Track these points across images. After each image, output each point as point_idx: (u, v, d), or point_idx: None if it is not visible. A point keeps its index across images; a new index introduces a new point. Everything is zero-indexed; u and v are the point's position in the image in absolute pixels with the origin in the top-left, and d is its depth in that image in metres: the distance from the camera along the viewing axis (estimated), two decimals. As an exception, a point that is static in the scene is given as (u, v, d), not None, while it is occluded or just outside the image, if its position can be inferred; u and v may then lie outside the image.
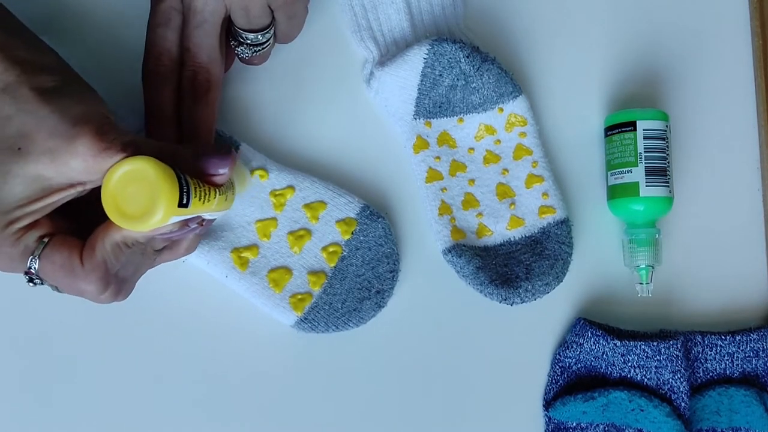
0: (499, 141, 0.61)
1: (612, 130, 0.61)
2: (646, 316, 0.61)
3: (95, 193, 0.43)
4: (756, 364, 0.60)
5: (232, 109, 0.60)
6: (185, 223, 0.45)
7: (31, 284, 0.46)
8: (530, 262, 0.59)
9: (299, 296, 0.57)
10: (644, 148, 0.59)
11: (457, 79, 0.60)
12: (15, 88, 0.43)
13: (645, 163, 0.59)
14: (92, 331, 0.56)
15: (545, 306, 0.59)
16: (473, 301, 0.59)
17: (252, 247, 0.57)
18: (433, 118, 0.61)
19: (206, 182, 0.46)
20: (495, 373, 0.60)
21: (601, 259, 0.62)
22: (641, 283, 0.60)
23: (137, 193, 0.41)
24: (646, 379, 0.57)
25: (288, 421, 0.58)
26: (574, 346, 0.59)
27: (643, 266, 0.59)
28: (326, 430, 0.58)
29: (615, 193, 0.60)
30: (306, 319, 0.57)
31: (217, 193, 0.46)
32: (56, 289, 0.46)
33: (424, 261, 0.60)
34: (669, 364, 0.57)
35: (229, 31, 0.55)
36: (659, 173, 0.59)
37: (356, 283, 0.58)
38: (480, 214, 0.60)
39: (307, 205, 0.58)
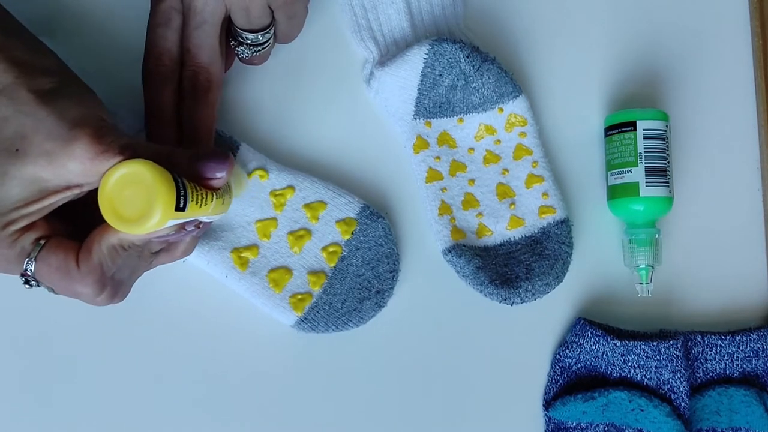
0: (499, 141, 0.61)
1: (612, 130, 0.61)
2: (646, 316, 0.61)
3: (92, 195, 0.43)
4: (756, 364, 0.60)
5: (232, 109, 0.60)
6: (182, 226, 0.45)
7: (27, 286, 0.46)
8: (530, 262, 0.59)
9: (299, 296, 0.57)
10: (644, 148, 0.59)
11: (457, 79, 0.60)
12: (13, 89, 0.43)
13: (645, 163, 0.59)
14: (92, 331, 0.56)
15: (545, 306, 0.59)
16: (473, 301, 0.59)
17: (252, 247, 0.57)
18: (433, 118, 0.61)
19: (203, 186, 0.45)
20: (495, 373, 0.60)
21: (601, 259, 0.62)
22: (641, 283, 0.60)
23: (134, 196, 0.41)
24: (646, 379, 0.57)
25: (288, 421, 0.58)
26: (574, 346, 0.59)
27: (643, 266, 0.59)
28: (326, 430, 0.58)
29: (615, 193, 0.60)
30: (306, 319, 0.57)
31: (214, 196, 0.46)
32: (52, 290, 0.46)
33: (424, 261, 0.60)
34: (669, 364, 0.57)
35: (229, 31, 0.55)
36: (659, 173, 0.59)
37: (356, 283, 0.58)
38: (480, 214, 0.60)
39: (307, 205, 0.58)
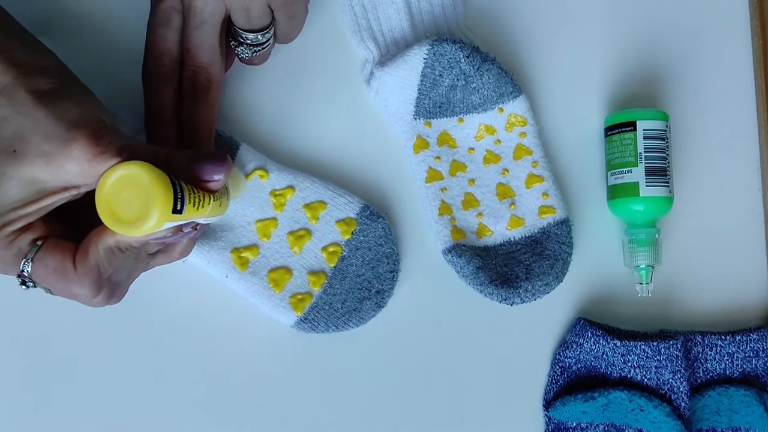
0: (499, 141, 0.61)
1: (612, 130, 0.61)
2: (646, 316, 0.61)
3: (90, 196, 0.43)
4: (756, 364, 0.60)
5: (232, 109, 0.60)
6: (179, 228, 0.45)
7: (23, 287, 0.46)
8: (530, 262, 0.59)
9: (299, 296, 0.57)
10: (644, 148, 0.59)
11: (457, 79, 0.60)
12: (12, 90, 0.43)
13: (645, 163, 0.59)
14: (92, 331, 0.56)
15: (545, 306, 0.59)
16: (473, 301, 0.59)
17: (252, 247, 0.57)
18: (433, 118, 0.61)
19: (201, 188, 0.45)
20: (495, 373, 0.60)
21: (601, 259, 0.62)
22: (641, 283, 0.60)
23: (131, 198, 0.41)
24: (646, 379, 0.57)
25: (288, 421, 0.58)
26: (574, 346, 0.59)
27: (643, 266, 0.59)
28: (326, 430, 0.58)
29: (615, 193, 0.60)
30: (306, 319, 0.57)
31: (212, 199, 0.46)
32: (49, 291, 0.46)
33: (424, 261, 0.60)
34: (669, 364, 0.57)
35: (229, 31, 0.55)
36: (659, 173, 0.59)
37: (356, 283, 0.58)
38: (480, 214, 0.60)
39: (307, 205, 0.58)
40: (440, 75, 0.59)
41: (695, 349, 0.60)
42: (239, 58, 0.57)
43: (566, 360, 0.59)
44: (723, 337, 0.59)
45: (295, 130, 0.60)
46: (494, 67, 0.60)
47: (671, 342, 0.57)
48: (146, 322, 0.57)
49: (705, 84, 0.65)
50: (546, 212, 0.60)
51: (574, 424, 0.59)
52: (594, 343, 0.58)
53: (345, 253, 0.58)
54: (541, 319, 0.60)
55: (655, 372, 0.57)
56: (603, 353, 0.58)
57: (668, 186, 0.59)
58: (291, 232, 0.58)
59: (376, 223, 0.58)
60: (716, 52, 0.65)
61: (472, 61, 0.59)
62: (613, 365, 0.58)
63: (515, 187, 0.60)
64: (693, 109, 0.64)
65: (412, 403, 0.59)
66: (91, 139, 0.43)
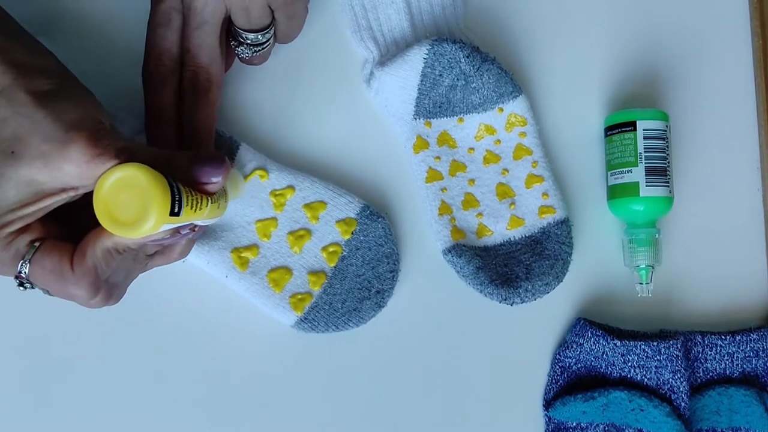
0: (499, 141, 0.61)
1: (612, 130, 0.61)
2: (646, 316, 0.61)
3: (88, 197, 0.43)
4: (756, 364, 0.60)
5: (232, 109, 0.60)
6: (177, 229, 0.45)
7: (21, 288, 0.46)
8: (530, 262, 0.59)
9: (299, 296, 0.57)
10: (644, 148, 0.59)
11: (457, 79, 0.60)
12: (11, 91, 0.43)
13: (645, 163, 0.59)
14: (92, 331, 0.56)
15: (545, 306, 0.59)
16: (473, 301, 0.59)
17: (252, 247, 0.57)
18: (433, 118, 0.61)
19: (199, 190, 0.45)
20: (495, 373, 0.60)
21: (601, 259, 0.62)
22: (641, 283, 0.60)
23: (129, 200, 0.41)
24: (646, 379, 0.57)
25: (288, 421, 0.58)
26: (574, 346, 0.59)
27: (643, 266, 0.59)
28: (326, 430, 0.58)
29: (615, 193, 0.60)
30: (306, 319, 0.57)
31: (210, 201, 0.46)
32: (47, 292, 0.46)
33: (424, 261, 0.60)
34: (669, 364, 0.57)
35: (229, 31, 0.55)
36: (659, 173, 0.59)
37: (356, 283, 0.58)
38: (480, 214, 0.60)
39: (307, 205, 0.58)
40: (440, 75, 0.59)
41: (695, 349, 0.60)
42: (239, 58, 0.57)
43: (566, 360, 0.59)
44: (723, 337, 0.59)
45: (295, 130, 0.60)
46: (494, 67, 0.60)
47: (671, 342, 0.57)
48: (146, 322, 0.57)
49: (705, 84, 0.65)
50: (546, 212, 0.60)
51: (574, 424, 0.59)
52: (594, 343, 0.58)
53: (345, 253, 0.58)
54: (541, 319, 0.60)
55: (655, 372, 0.57)
56: (603, 353, 0.58)
57: (668, 186, 0.59)
58: (291, 232, 0.58)
59: (376, 223, 0.58)
60: (716, 52, 0.65)
61: (472, 61, 0.59)
62: (613, 365, 0.58)
63: (515, 187, 0.60)
64: (693, 109, 0.64)
65: (412, 403, 0.59)
66: (90, 141, 0.43)
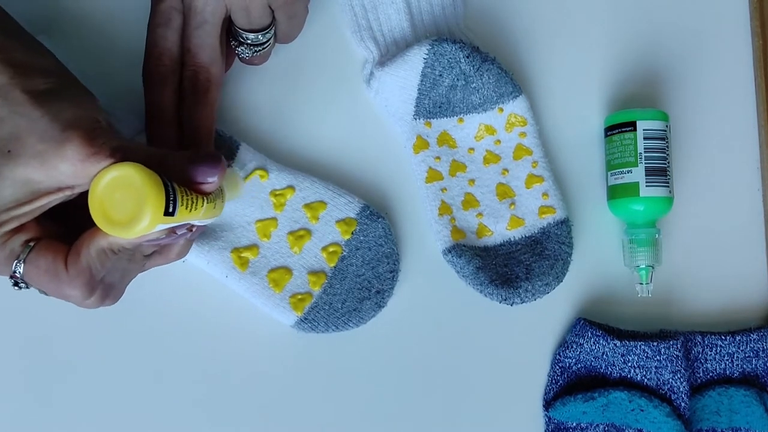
0: (499, 141, 0.61)
1: (612, 130, 0.61)
2: (646, 316, 0.61)
3: (85, 197, 0.43)
4: (756, 364, 0.60)
5: (232, 109, 0.60)
6: (173, 230, 0.45)
7: (16, 288, 0.46)
8: (530, 262, 0.59)
9: (299, 296, 0.57)
10: (644, 148, 0.59)
11: (457, 79, 0.60)
12: (8, 90, 0.43)
13: (645, 163, 0.59)
14: (92, 331, 0.56)
15: (545, 306, 0.59)
16: (473, 301, 0.59)
17: (252, 247, 0.57)
18: (433, 118, 0.61)
19: (194, 190, 0.45)
20: (495, 373, 0.60)
21: (601, 259, 0.62)
22: (641, 283, 0.60)
23: (124, 199, 0.41)
24: (646, 379, 0.57)
25: (288, 421, 0.58)
26: (574, 346, 0.59)
27: (643, 266, 0.59)
28: (326, 430, 0.58)
29: (615, 193, 0.60)
30: (306, 319, 0.57)
31: (205, 201, 0.46)
32: (43, 292, 0.46)
33: (424, 261, 0.60)
34: (669, 364, 0.57)
35: (229, 31, 0.55)
36: (659, 173, 0.59)
37: (356, 283, 0.58)
38: (480, 214, 0.60)
39: (307, 205, 0.58)
40: (440, 75, 0.59)
41: (695, 349, 0.60)
42: (239, 58, 0.57)
43: (566, 360, 0.59)
44: (723, 337, 0.59)
45: (295, 130, 0.60)
46: (494, 67, 0.60)
47: (671, 342, 0.57)
48: (146, 323, 0.57)
49: (705, 84, 0.65)
50: (546, 212, 0.60)
51: (574, 424, 0.59)
52: (594, 343, 0.58)
53: (345, 253, 0.58)
54: (541, 319, 0.60)
55: (655, 372, 0.57)
56: (603, 353, 0.58)
57: (668, 186, 0.59)
58: (291, 232, 0.58)
59: (376, 223, 0.58)
60: (716, 52, 0.65)
61: (472, 61, 0.59)
62: (613, 365, 0.58)
63: (515, 187, 0.60)
64: (693, 109, 0.64)
65: (412, 403, 0.59)
66: (85, 140, 0.42)
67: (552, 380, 0.60)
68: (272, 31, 0.55)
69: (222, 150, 0.57)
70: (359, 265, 0.58)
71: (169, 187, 0.42)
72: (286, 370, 0.58)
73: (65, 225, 0.47)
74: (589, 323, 0.59)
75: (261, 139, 0.60)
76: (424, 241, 0.60)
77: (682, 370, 0.57)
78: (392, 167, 0.61)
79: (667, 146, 0.60)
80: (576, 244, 0.60)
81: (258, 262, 0.57)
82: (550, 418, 0.59)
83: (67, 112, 0.43)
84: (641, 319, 0.61)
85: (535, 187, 0.60)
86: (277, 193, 0.58)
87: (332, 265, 0.58)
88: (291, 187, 0.58)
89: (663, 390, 0.57)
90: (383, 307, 0.58)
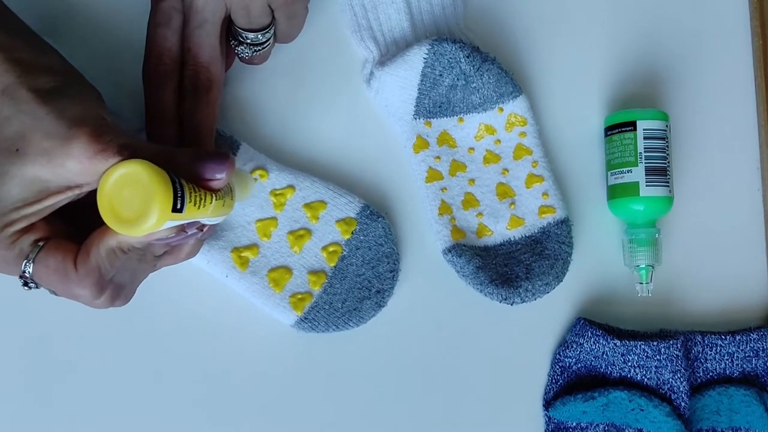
0: (499, 141, 0.61)
1: (612, 130, 0.61)
2: (646, 316, 0.61)
3: (94, 196, 0.43)
4: (756, 364, 0.60)
5: (232, 109, 0.60)
6: (183, 228, 0.45)
7: (25, 288, 0.46)
8: (530, 261, 0.59)
9: (299, 296, 0.57)
10: (644, 148, 0.59)
11: (457, 79, 0.60)
12: (14, 89, 0.43)
13: (645, 163, 0.59)
14: (93, 331, 0.56)
15: (545, 306, 0.59)
16: (473, 301, 0.59)
17: (252, 246, 0.57)
18: (433, 118, 0.61)
19: (203, 187, 0.45)
20: (495, 373, 0.60)
21: (601, 259, 0.62)
22: (641, 283, 0.60)
23: (132, 196, 0.41)
24: (646, 379, 0.57)
25: (288, 421, 0.58)
26: (574, 346, 0.59)
27: (643, 266, 0.59)
28: (326, 430, 0.58)
29: (615, 193, 0.60)
30: (306, 318, 0.57)
31: (214, 198, 0.45)
32: (53, 292, 0.46)
33: (424, 261, 0.60)
34: (669, 364, 0.57)
35: (229, 30, 0.55)
36: (659, 173, 0.59)
37: (356, 283, 0.58)
38: (480, 213, 0.60)
39: (307, 205, 0.58)
40: (440, 75, 0.59)
41: (695, 349, 0.60)
42: (239, 57, 0.57)
43: (566, 360, 0.59)
44: (723, 337, 0.59)
45: (295, 130, 0.60)
46: (494, 67, 0.60)
47: (671, 342, 0.57)
48: (146, 322, 0.57)
49: (705, 84, 0.65)
50: (546, 212, 0.60)
51: (574, 424, 0.59)
52: (594, 342, 0.58)
53: (345, 253, 0.58)
54: (541, 319, 0.60)
55: (655, 372, 0.57)
56: (603, 353, 0.58)
57: (668, 186, 0.59)
58: (291, 232, 0.58)
59: (376, 222, 0.58)
60: (716, 52, 0.65)
61: (472, 61, 0.59)
62: (613, 365, 0.58)
63: (515, 187, 0.60)
64: (693, 109, 0.64)
65: (412, 403, 0.59)
66: (92, 137, 0.42)
67: (552, 380, 0.60)
68: (272, 31, 0.55)
69: (222, 150, 0.57)
70: (359, 264, 0.58)
71: (177, 183, 0.42)
72: (286, 370, 0.58)
73: (75, 224, 0.47)
74: (589, 323, 0.59)
75: (261, 138, 0.60)
76: (424, 241, 0.60)
77: (682, 370, 0.57)
78: (392, 167, 0.61)
79: (667, 146, 0.60)
80: (576, 244, 0.60)
81: (258, 262, 0.57)
82: (550, 418, 0.59)
83: (73, 109, 0.43)
84: (641, 318, 0.61)
85: (535, 186, 0.60)
86: (277, 192, 0.58)
87: (332, 264, 0.58)
88: (291, 187, 0.58)
89: (663, 390, 0.57)
90: (383, 306, 0.58)
